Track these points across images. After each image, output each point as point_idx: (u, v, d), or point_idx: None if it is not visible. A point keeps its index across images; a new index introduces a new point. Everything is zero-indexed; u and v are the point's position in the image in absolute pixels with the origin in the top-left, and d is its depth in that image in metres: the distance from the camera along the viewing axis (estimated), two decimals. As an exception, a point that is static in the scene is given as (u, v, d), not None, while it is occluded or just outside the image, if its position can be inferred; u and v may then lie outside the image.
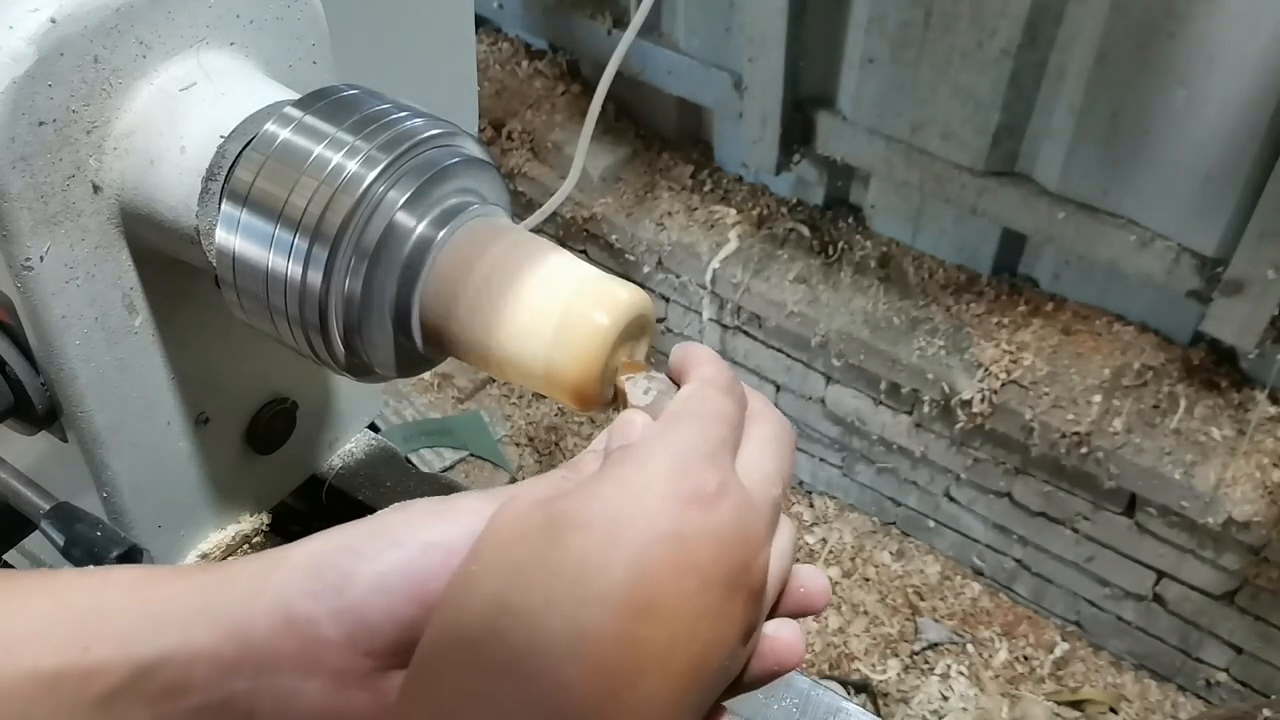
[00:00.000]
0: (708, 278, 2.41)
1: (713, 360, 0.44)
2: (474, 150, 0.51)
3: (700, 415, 0.41)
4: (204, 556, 0.71)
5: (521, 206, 2.56)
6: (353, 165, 0.47)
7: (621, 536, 0.36)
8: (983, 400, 2.10)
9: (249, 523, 0.73)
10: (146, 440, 0.63)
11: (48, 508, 0.59)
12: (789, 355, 2.42)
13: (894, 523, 2.57)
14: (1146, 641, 2.25)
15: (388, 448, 0.81)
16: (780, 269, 2.36)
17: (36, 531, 0.61)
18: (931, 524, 2.48)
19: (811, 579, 0.43)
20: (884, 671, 2.30)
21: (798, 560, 0.44)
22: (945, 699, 2.25)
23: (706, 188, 2.55)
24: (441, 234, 0.48)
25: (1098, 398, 2.03)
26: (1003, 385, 2.09)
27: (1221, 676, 2.18)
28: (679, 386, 0.44)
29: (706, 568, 0.36)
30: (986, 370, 2.11)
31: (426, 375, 2.81)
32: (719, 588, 0.36)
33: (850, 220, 2.42)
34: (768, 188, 2.51)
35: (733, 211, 2.48)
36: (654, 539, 0.36)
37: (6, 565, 0.80)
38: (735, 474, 0.39)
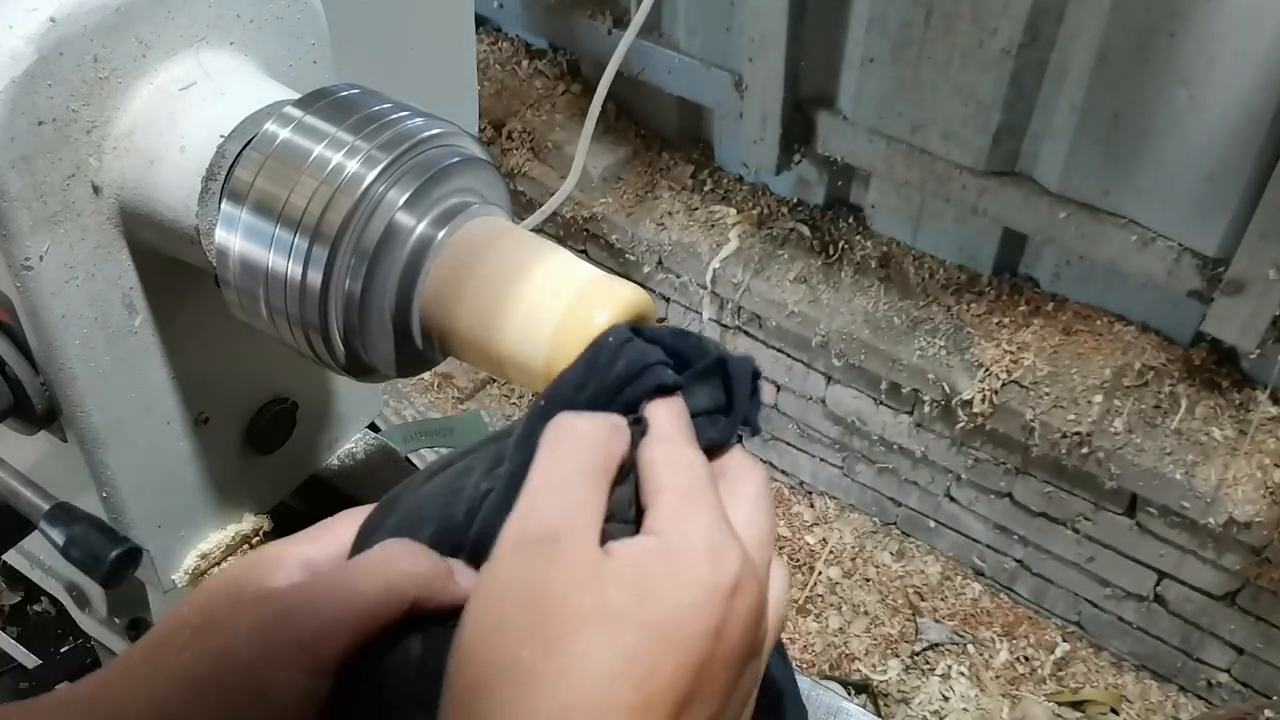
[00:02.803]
0: (708, 278, 2.41)
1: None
2: (474, 150, 0.51)
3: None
4: (204, 556, 0.70)
5: (521, 206, 2.56)
6: (353, 165, 0.47)
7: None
8: (983, 400, 2.10)
9: (249, 523, 0.73)
10: (146, 440, 0.62)
11: (48, 508, 0.59)
12: (789, 355, 2.42)
13: (894, 523, 2.57)
14: (1147, 642, 2.25)
15: (388, 448, 0.80)
16: (781, 269, 2.36)
17: (36, 531, 0.61)
18: (932, 524, 2.48)
19: None
20: (884, 672, 2.30)
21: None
22: (946, 699, 2.25)
23: (707, 188, 2.54)
24: (442, 234, 0.48)
25: (1098, 398, 2.03)
26: (1003, 385, 2.09)
27: (1223, 677, 2.18)
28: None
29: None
30: (987, 370, 2.11)
31: (426, 375, 2.81)
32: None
33: (851, 220, 2.42)
34: (768, 187, 2.51)
35: (733, 211, 2.48)
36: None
37: (7, 565, 0.80)
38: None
